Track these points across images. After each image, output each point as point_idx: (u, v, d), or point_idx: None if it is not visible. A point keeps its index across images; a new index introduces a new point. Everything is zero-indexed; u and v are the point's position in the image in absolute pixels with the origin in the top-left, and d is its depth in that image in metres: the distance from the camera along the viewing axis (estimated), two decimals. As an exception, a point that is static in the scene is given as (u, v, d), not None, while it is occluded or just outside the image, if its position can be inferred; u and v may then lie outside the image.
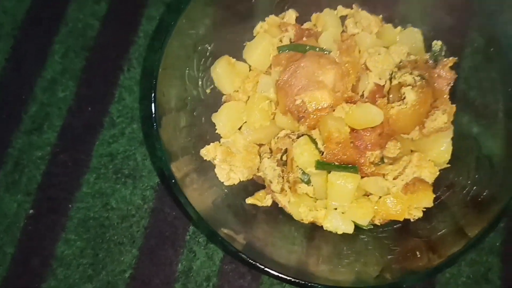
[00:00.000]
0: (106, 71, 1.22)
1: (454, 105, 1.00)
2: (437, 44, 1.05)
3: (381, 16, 1.09)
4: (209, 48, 1.04)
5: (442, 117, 0.98)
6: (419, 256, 0.90)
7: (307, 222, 1.01)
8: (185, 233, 1.10)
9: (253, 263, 0.82)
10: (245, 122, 1.05)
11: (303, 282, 0.83)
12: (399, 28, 1.09)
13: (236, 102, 1.05)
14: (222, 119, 1.03)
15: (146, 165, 1.15)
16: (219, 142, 1.04)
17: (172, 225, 1.11)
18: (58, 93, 1.20)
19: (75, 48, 1.24)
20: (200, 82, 1.04)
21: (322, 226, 1.00)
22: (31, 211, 1.11)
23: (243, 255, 0.81)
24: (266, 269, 0.82)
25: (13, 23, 1.27)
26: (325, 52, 1.02)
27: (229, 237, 0.86)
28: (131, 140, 1.17)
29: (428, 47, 1.07)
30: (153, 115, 0.89)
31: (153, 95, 0.90)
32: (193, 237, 1.10)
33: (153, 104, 0.90)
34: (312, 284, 0.84)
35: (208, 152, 1.00)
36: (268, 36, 1.07)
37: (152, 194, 1.13)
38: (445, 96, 1.01)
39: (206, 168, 1.00)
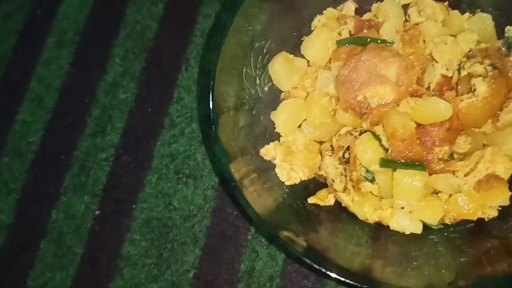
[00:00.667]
0: (164, 71, 1.23)
1: (531, 95, 0.93)
2: (510, 30, 0.97)
3: (446, 2, 1.02)
4: (266, 45, 1.02)
5: (517, 109, 0.91)
6: (496, 259, 0.84)
7: (372, 222, 0.97)
8: (247, 233, 1.09)
9: (316, 267, 0.80)
10: (305, 119, 1.02)
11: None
12: (467, 14, 1.02)
13: (295, 99, 1.03)
14: (281, 117, 1.01)
15: (207, 165, 1.15)
16: (279, 141, 1.02)
17: (233, 225, 1.10)
18: (119, 95, 1.22)
19: (134, 50, 1.26)
20: (258, 80, 1.02)
21: (388, 226, 0.96)
22: (97, 212, 1.14)
23: (305, 259, 0.79)
24: (328, 273, 0.80)
25: (75, 29, 1.30)
26: (387, 44, 0.97)
27: (290, 240, 0.84)
28: (191, 140, 1.17)
29: (500, 34, 0.99)
30: (211, 116, 0.89)
31: (210, 95, 0.89)
32: (255, 236, 1.09)
33: (210, 105, 0.89)
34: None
35: (267, 151, 0.98)
36: (326, 30, 1.04)
37: (213, 194, 1.13)
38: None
39: (266, 168, 0.99)
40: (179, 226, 1.11)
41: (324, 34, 1.03)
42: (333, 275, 0.79)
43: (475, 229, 0.93)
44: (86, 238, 1.13)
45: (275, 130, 1.02)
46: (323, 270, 0.79)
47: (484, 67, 0.90)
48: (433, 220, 0.94)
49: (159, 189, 1.14)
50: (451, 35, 0.99)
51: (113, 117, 1.21)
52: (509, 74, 0.93)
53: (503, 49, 0.97)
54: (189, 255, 1.09)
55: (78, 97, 1.24)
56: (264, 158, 0.99)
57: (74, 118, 1.22)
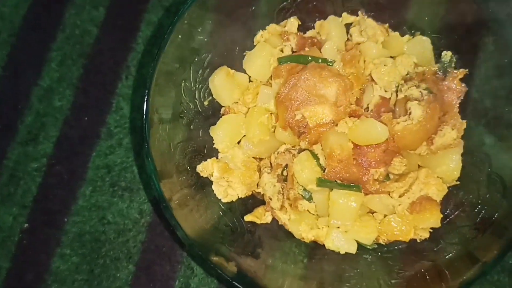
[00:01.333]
0: (103, 79, 1.19)
1: (464, 121, 0.95)
2: (446, 55, 0.99)
3: (387, 25, 1.03)
4: (207, 58, 1.00)
5: (452, 132, 0.93)
6: (426, 282, 0.85)
7: (308, 241, 0.97)
8: (183, 249, 1.07)
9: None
10: (244, 136, 1.00)
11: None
12: (407, 36, 1.03)
13: (235, 115, 1.01)
14: (220, 133, 0.99)
15: (144, 178, 1.11)
16: (217, 157, 1.00)
17: (169, 240, 1.08)
18: (54, 102, 1.17)
19: (72, 55, 1.21)
20: (197, 94, 1.00)
21: (324, 245, 0.95)
22: (26, 225, 1.09)
23: (235, 283, 0.77)
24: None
25: (10, 29, 1.24)
26: (328, 64, 0.97)
27: (221, 264, 0.82)
28: (129, 151, 1.13)
29: (437, 58, 1.01)
30: (144, 131, 0.86)
31: (144, 109, 0.86)
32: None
33: (144, 120, 0.86)
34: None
35: (205, 168, 0.96)
36: (268, 46, 1.03)
37: (149, 208, 1.09)
38: (454, 110, 0.95)
39: (202, 185, 0.97)
40: (113, 240, 1.08)
41: (266, 50, 1.02)
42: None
43: (408, 250, 0.94)
44: (13, 252, 1.08)
45: (214, 146, 1.00)
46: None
47: (420, 91, 0.91)
48: (367, 240, 0.94)
49: (93, 202, 1.10)
50: (391, 57, 1.00)
51: (46, 125, 1.16)
52: (444, 97, 0.95)
53: (439, 73, 0.99)
54: (122, 271, 1.06)
55: (10, 102, 1.18)
56: (201, 175, 0.97)
57: (4, 125, 1.16)
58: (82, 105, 1.17)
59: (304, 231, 0.96)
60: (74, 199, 1.10)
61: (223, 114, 1.03)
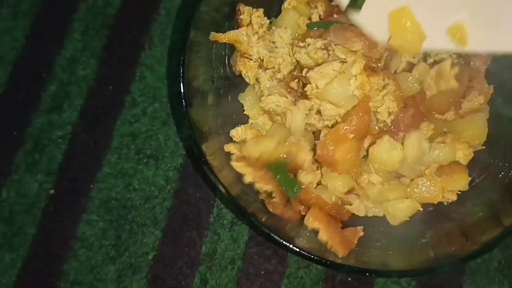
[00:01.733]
0: (127, 49, 1.19)
1: (491, 85, 0.97)
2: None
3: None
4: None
5: (478, 97, 0.95)
6: (453, 241, 0.87)
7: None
8: (209, 215, 1.08)
9: (283, 242, 0.80)
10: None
11: (329, 262, 0.81)
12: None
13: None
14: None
15: (169, 146, 1.12)
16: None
17: (195, 207, 1.08)
18: (78, 71, 1.17)
19: (95, 26, 1.21)
20: (227, 60, 1.01)
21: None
22: (51, 191, 1.09)
23: (273, 235, 0.78)
24: (293, 247, 0.80)
25: (32, 0, 1.23)
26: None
27: (257, 216, 0.84)
28: (153, 120, 1.14)
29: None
30: (182, 91, 0.86)
31: (181, 72, 0.87)
32: (217, 219, 1.07)
33: (181, 82, 0.87)
34: (339, 264, 0.82)
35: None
36: (294, 12, 1.03)
37: (175, 175, 1.10)
38: (481, 76, 0.97)
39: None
40: (139, 207, 1.08)
41: (292, 16, 1.02)
42: (295, 248, 0.79)
43: (435, 212, 0.95)
44: (39, 218, 1.08)
45: (244, 113, 1.01)
46: (288, 244, 0.79)
47: (450, 55, 0.93)
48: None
49: (119, 169, 1.11)
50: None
51: (70, 94, 1.16)
52: (471, 64, 0.96)
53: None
54: (149, 237, 1.06)
55: (33, 71, 1.18)
56: (234, 140, 0.98)
57: (28, 93, 1.16)
58: (106, 74, 1.18)
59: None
60: (99, 166, 1.11)
61: (252, 81, 1.04)
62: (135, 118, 1.14)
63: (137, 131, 1.13)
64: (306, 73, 0.90)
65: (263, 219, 0.83)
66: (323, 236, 0.83)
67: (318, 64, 0.91)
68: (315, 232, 0.85)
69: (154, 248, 1.06)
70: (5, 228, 1.07)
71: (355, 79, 0.87)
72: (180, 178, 1.10)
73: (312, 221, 0.84)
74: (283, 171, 0.90)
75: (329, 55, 0.90)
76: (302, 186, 0.90)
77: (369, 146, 0.91)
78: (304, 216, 0.88)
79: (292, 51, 0.97)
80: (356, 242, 0.89)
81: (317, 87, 0.89)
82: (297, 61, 0.94)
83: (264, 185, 0.88)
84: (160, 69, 1.18)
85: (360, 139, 0.90)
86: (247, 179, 0.89)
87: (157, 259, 1.05)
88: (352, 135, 0.87)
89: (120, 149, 1.12)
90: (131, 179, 1.10)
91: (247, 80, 1.01)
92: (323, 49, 0.91)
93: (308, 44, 0.94)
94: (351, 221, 0.95)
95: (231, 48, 1.01)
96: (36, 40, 1.20)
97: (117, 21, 1.22)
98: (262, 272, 1.04)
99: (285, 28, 1.00)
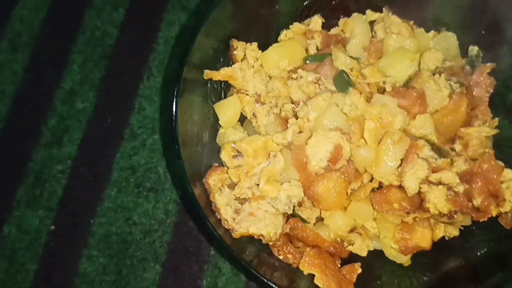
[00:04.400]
0: (125, 80, 1.19)
1: (496, 118, 0.94)
2: (473, 49, 0.99)
3: (412, 22, 1.02)
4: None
5: (483, 127, 0.92)
6: (458, 280, 0.85)
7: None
8: (210, 248, 1.07)
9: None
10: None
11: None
12: (432, 32, 1.02)
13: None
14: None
15: (169, 178, 1.11)
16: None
17: (196, 240, 1.08)
18: (77, 104, 1.18)
19: (93, 57, 1.21)
20: (223, 94, 1.00)
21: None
22: (52, 227, 1.09)
23: (268, 282, 0.77)
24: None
25: (31, 32, 1.24)
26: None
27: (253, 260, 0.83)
28: (153, 152, 1.13)
29: (463, 52, 1.00)
30: (174, 131, 0.85)
31: (174, 116, 0.85)
32: (218, 252, 1.06)
33: (173, 121, 0.85)
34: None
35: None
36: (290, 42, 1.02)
37: (175, 208, 1.09)
38: (484, 105, 0.94)
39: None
40: (139, 241, 1.08)
41: (288, 47, 1.01)
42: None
43: (438, 246, 0.93)
44: (40, 254, 1.08)
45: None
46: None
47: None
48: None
49: (119, 203, 1.10)
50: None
51: (70, 127, 1.16)
52: (474, 93, 0.94)
53: (467, 67, 0.98)
54: (150, 271, 1.06)
55: (33, 105, 1.18)
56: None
57: (28, 128, 1.16)
58: (105, 106, 1.17)
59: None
60: (99, 201, 1.10)
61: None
62: (134, 151, 1.13)
63: (136, 163, 1.13)
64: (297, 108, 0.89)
65: (259, 264, 0.81)
66: (318, 281, 0.81)
67: (309, 98, 0.90)
68: (313, 275, 0.83)
69: (155, 282, 1.05)
70: (7, 264, 1.07)
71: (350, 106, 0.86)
72: (180, 211, 1.09)
73: (307, 267, 0.82)
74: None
75: (320, 89, 0.89)
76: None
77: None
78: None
79: (287, 84, 0.95)
80: (354, 280, 0.87)
81: (308, 120, 0.88)
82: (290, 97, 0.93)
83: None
84: (159, 100, 1.17)
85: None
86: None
87: (158, 294, 1.05)
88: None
89: (120, 182, 1.12)
90: (131, 213, 1.09)
91: (244, 113, 1.00)
92: (314, 83, 0.90)
93: (301, 77, 0.92)
94: (351, 257, 0.93)
95: (227, 83, 1.00)
96: (35, 73, 1.21)
97: (116, 52, 1.22)
98: (264, 306, 1.03)
99: (282, 59, 0.98)
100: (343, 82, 0.87)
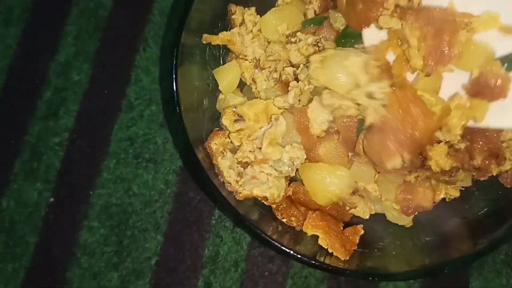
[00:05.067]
0: (121, 52, 1.18)
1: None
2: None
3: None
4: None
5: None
6: (458, 239, 0.86)
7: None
8: (211, 218, 1.07)
9: (284, 249, 0.79)
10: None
11: (331, 267, 0.80)
12: None
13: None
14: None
15: (168, 149, 1.11)
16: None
17: (196, 210, 1.07)
18: (72, 76, 1.16)
19: (88, 29, 1.19)
20: (221, 60, 0.99)
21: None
22: (51, 199, 1.09)
23: (273, 242, 0.77)
24: (294, 254, 0.79)
25: (23, 5, 1.22)
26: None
27: (257, 222, 0.83)
28: (151, 123, 1.13)
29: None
30: (175, 97, 0.85)
31: (174, 79, 0.85)
32: (219, 221, 1.06)
33: (174, 90, 0.85)
34: (341, 268, 0.81)
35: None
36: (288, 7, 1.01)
37: (174, 178, 1.09)
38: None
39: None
40: (140, 212, 1.07)
41: (286, 12, 1.00)
42: (299, 256, 0.78)
43: (439, 207, 0.93)
44: (40, 226, 1.07)
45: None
46: (291, 251, 0.78)
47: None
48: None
49: (118, 174, 1.10)
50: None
51: (66, 100, 1.14)
52: None
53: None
54: (151, 241, 1.06)
55: (28, 78, 1.17)
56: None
57: (24, 101, 1.15)
58: (101, 78, 1.16)
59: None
60: (98, 172, 1.10)
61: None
62: (132, 122, 1.13)
63: (134, 135, 1.12)
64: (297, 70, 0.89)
65: (264, 226, 0.82)
66: (322, 242, 0.82)
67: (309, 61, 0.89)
68: (317, 236, 0.84)
69: (156, 253, 1.05)
70: (6, 238, 1.07)
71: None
72: (180, 181, 1.09)
73: (311, 228, 0.82)
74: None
75: (320, 51, 0.88)
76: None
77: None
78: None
79: (286, 48, 0.95)
80: (357, 241, 0.88)
81: (309, 83, 0.87)
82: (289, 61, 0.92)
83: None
84: (155, 71, 1.16)
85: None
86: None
87: (160, 264, 1.05)
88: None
89: (118, 154, 1.11)
90: (130, 184, 1.09)
91: (243, 79, 0.99)
92: (314, 45, 0.89)
93: (300, 40, 0.92)
94: (353, 220, 0.94)
95: (226, 48, 0.99)
96: (29, 47, 1.19)
97: (110, 24, 1.20)
98: (266, 273, 1.03)
99: (281, 23, 0.97)
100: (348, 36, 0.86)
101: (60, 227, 1.07)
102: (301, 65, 0.90)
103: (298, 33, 0.92)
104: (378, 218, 0.95)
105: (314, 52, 0.88)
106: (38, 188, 1.09)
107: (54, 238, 1.07)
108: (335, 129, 0.87)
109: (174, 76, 0.84)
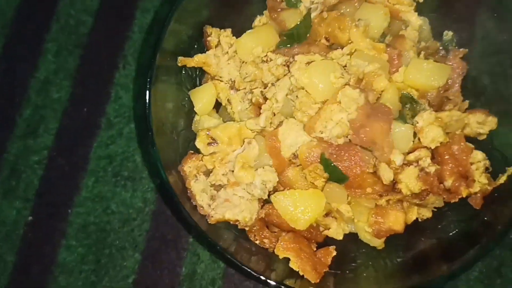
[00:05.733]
0: (101, 69, 1.18)
1: (466, 101, 0.96)
2: (448, 34, 1.00)
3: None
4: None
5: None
6: (430, 260, 0.86)
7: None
8: (188, 236, 1.07)
9: (255, 275, 0.79)
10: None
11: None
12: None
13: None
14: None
15: (146, 167, 1.11)
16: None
17: (174, 228, 1.08)
18: (52, 94, 1.17)
19: (68, 46, 1.20)
20: (198, 81, 1.00)
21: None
22: (30, 217, 1.09)
23: (246, 268, 0.78)
24: (264, 279, 0.79)
25: (3, 21, 1.22)
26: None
27: (230, 245, 0.83)
28: (130, 141, 1.13)
29: (436, 37, 1.01)
30: (148, 119, 0.85)
31: (147, 98, 0.85)
32: (196, 239, 1.07)
33: (146, 109, 0.85)
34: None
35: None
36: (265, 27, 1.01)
37: (153, 196, 1.10)
38: (456, 87, 0.96)
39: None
40: (118, 230, 1.08)
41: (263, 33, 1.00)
42: (272, 282, 0.79)
43: (412, 228, 0.94)
44: (18, 245, 1.08)
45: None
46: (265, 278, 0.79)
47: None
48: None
49: (96, 192, 1.10)
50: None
51: (45, 117, 1.15)
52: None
53: (442, 51, 0.99)
54: (129, 260, 1.06)
55: (7, 95, 1.17)
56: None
57: (3, 118, 1.15)
58: (81, 96, 1.17)
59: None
60: (77, 190, 1.10)
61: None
62: (111, 140, 1.13)
63: (113, 153, 1.12)
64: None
65: (236, 249, 0.82)
66: (293, 265, 0.82)
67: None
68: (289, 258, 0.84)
69: (134, 271, 1.06)
70: (-16, 256, 1.07)
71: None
72: (157, 199, 1.09)
73: (282, 251, 0.83)
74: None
75: (289, 71, 0.89)
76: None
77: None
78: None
79: (260, 68, 0.95)
80: (329, 262, 0.89)
81: (276, 101, 0.89)
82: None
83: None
84: (135, 88, 1.17)
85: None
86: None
87: (137, 283, 1.05)
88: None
89: (97, 172, 1.11)
90: (109, 202, 1.09)
91: (219, 100, 1.00)
92: (284, 65, 0.90)
93: (270, 59, 0.93)
94: (326, 240, 0.95)
95: (202, 69, 1.00)
96: (8, 63, 1.20)
97: (90, 40, 1.21)
98: (243, 291, 1.04)
99: (256, 46, 0.98)
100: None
101: (39, 245, 1.08)
102: (269, 84, 0.90)
103: (269, 53, 0.93)
104: (351, 237, 0.95)
105: (284, 73, 0.89)
106: (16, 207, 1.09)
107: (33, 257, 1.07)
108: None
109: (147, 100, 0.84)
